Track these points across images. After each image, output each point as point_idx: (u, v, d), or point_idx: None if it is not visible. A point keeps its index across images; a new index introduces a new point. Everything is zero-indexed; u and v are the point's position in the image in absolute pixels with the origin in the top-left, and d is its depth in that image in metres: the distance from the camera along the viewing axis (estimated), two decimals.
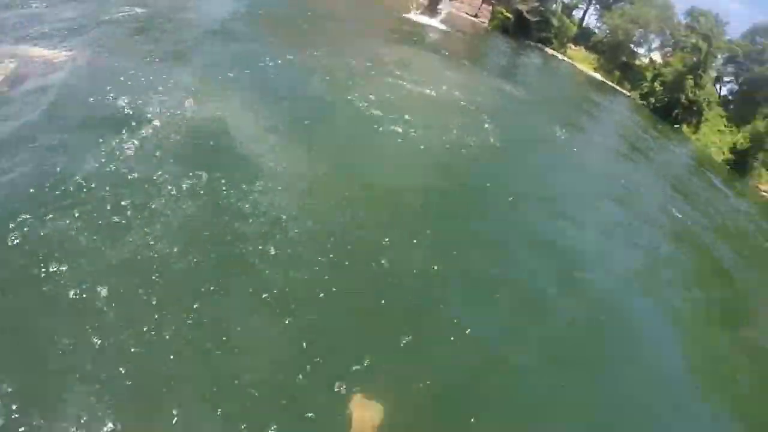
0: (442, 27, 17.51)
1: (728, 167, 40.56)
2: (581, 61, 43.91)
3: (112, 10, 8.00)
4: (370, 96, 7.06)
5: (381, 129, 6.41)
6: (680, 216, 10.95)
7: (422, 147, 6.54)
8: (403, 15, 16.77)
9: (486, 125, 8.96)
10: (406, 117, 6.82)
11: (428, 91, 8.84)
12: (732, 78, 49.40)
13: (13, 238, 3.42)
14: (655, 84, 43.07)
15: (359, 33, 11.31)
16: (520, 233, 5.81)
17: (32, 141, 4.08)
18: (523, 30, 37.71)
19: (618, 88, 43.53)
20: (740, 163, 40.88)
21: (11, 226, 3.53)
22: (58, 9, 7.93)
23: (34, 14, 7.53)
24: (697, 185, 17.80)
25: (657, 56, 47.29)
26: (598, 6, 48.97)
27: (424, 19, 17.14)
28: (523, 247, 5.62)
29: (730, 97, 49.11)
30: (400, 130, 6.42)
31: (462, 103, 9.64)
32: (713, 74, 46.84)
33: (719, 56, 46.17)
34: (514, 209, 6.26)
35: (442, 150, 7.00)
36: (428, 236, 4.90)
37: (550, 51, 40.46)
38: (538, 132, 10.84)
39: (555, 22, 41.00)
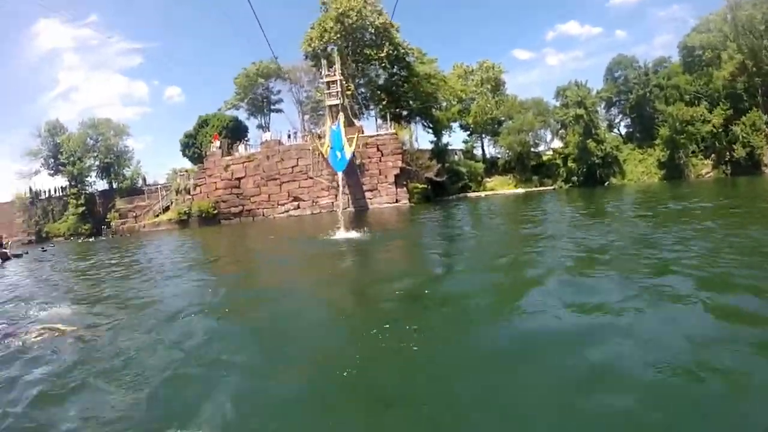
0: (361, 235, 18.30)
1: (665, 180, 44.26)
2: (501, 186, 49.22)
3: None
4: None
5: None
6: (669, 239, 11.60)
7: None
8: (328, 237, 18.55)
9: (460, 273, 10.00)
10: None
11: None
12: (620, 116, 56.01)
13: None
14: (569, 164, 48.08)
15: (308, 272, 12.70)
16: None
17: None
18: (442, 190, 43.10)
19: (542, 188, 48.03)
20: (673, 171, 44.87)
21: None
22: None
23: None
24: (658, 210, 19.77)
25: (557, 143, 53.34)
26: (488, 137, 56.35)
27: (348, 234, 18.71)
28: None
29: (631, 130, 54.74)
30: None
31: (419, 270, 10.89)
32: (605, 125, 52.76)
33: (599, 109, 52.56)
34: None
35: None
36: None
37: (472, 194, 45.38)
38: (497, 262, 11.19)
39: (463, 169, 47.61)
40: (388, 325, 6.61)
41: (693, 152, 44.82)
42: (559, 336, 5.79)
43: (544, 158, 52.77)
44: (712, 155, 44.65)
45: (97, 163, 52.66)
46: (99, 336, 7.34)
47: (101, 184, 53.92)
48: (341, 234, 19.29)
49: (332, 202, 38.24)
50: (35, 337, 7.34)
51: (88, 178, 53.24)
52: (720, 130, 43.60)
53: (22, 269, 21.22)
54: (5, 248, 27.76)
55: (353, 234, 19.29)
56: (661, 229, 13.19)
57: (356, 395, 4.81)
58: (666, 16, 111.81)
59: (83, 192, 51.78)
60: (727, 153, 43.10)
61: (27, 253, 31.00)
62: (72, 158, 51.04)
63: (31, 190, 54.01)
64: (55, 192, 53.91)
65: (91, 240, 43.25)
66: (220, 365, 5.61)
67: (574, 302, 6.88)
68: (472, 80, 56.79)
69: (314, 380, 5.14)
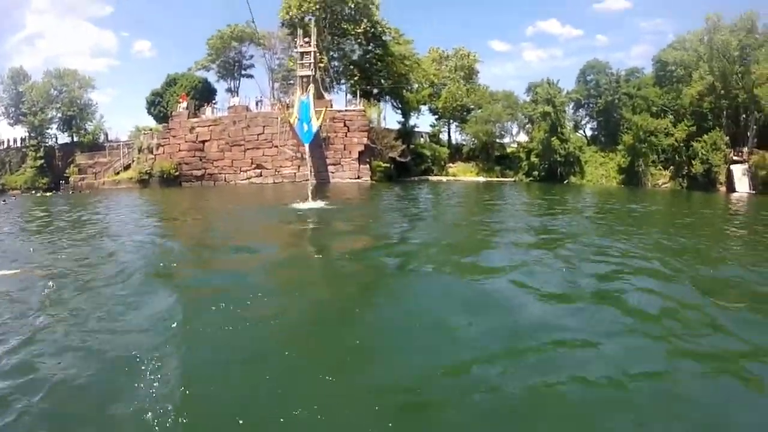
0: (325, 205, 19.29)
1: (622, 185, 45.65)
2: (463, 173, 50.06)
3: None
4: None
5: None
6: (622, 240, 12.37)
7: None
8: (292, 205, 19.13)
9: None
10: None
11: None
12: (587, 118, 57.45)
13: None
14: (532, 159, 49.29)
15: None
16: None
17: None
18: (405, 171, 43.68)
19: (503, 179, 49.15)
20: (631, 177, 46.26)
21: None
22: None
23: None
24: (610, 212, 21.20)
25: (523, 137, 54.73)
26: (455, 123, 57.12)
27: (312, 204, 19.44)
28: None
29: (596, 133, 56.21)
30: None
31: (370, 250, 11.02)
32: (571, 125, 54.03)
33: (567, 109, 53.75)
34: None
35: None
36: None
37: (434, 178, 46.25)
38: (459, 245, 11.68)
39: (428, 152, 48.21)
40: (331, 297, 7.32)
41: (653, 162, 46.09)
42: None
43: (509, 150, 53.96)
44: (671, 167, 45.92)
45: (59, 115, 50.95)
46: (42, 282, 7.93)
47: (62, 138, 52.31)
48: (305, 204, 19.94)
49: (294, 173, 38.40)
50: None
51: (49, 130, 51.47)
52: (681, 144, 44.77)
53: None
54: None
55: (315, 204, 20.01)
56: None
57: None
58: (648, 28, 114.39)
59: (43, 144, 50.14)
60: (686, 167, 44.28)
61: None
62: (34, 108, 49.31)
63: None
64: (14, 143, 52.15)
65: (48, 194, 42.16)
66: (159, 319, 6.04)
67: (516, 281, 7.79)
68: (446, 66, 57.44)
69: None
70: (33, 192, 45.42)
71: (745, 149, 42.37)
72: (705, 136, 43.04)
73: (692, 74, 45.94)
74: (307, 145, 33.73)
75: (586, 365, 4.82)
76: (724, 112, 44.11)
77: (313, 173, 37.61)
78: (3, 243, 12.89)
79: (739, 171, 41.25)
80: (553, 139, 47.94)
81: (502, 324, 6.01)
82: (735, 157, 42.19)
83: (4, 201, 33.71)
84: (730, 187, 40.73)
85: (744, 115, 44.17)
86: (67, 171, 46.54)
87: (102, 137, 50.14)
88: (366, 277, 8.74)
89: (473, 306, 6.71)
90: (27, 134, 50.72)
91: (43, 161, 48.92)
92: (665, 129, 45.81)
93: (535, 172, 49.02)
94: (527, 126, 53.66)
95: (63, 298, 7.00)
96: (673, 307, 6.57)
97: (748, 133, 43.44)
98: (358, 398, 4.27)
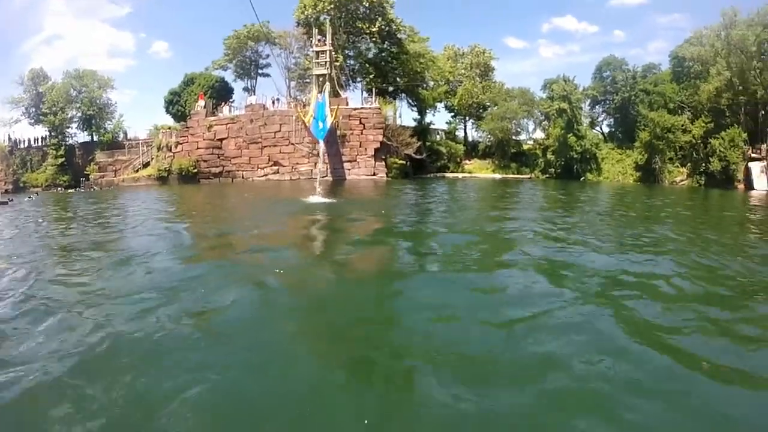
0: (334, 200, 19.76)
1: (639, 183, 45.08)
2: (479, 169, 50.05)
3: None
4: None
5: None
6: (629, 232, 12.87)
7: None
8: (305, 199, 19.67)
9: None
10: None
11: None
12: (604, 115, 56.79)
13: None
14: (548, 156, 49.08)
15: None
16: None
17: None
18: (421, 168, 43.89)
19: (519, 176, 48.93)
20: (648, 174, 45.68)
21: None
22: None
23: None
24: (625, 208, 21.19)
25: (539, 134, 54.29)
26: (471, 120, 57.35)
27: (324, 199, 19.93)
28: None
29: (613, 130, 55.59)
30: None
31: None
32: (587, 122, 53.59)
33: (583, 106, 53.37)
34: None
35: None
36: None
37: (450, 175, 46.33)
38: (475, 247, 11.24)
39: (443, 149, 48.27)
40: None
41: (670, 159, 45.43)
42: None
43: (525, 147, 53.65)
44: (688, 164, 45.10)
45: (79, 114, 51.74)
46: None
47: (82, 136, 53.16)
48: (316, 198, 20.56)
49: (311, 170, 38.70)
50: None
51: (69, 130, 52.31)
52: (699, 141, 43.82)
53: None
54: None
55: (327, 200, 20.64)
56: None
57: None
58: (665, 23, 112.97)
59: (63, 143, 51.02)
60: (703, 164, 43.47)
61: (12, 200, 31.22)
62: (54, 108, 50.09)
63: (9, 138, 53.16)
64: (35, 142, 53.10)
65: (70, 191, 43.02)
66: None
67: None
68: (462, 63, 57.33)
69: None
70: (54, 189, 46.32)
71: (764, 146, 41.24)
72: (723, 133, 42.00)
73: (710, 70, 44.97)
74: (321, 142, 34.45)
75: None
76: (743, 109, 43.17)
77: (328, 170, 38.31)
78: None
79: (757, 168, 40.19)
80: (569, 135, 47.58)
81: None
82: (753, 155, 41.15)
83: (29, 197, 34.60)
84: (749, 185, 39.77)
85: (762, 112, 43.09)
86: (87, 169, 47.40)
87: (121, 136, 50.87)
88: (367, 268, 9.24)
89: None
90: (47, 133, 51.59)
91: (63, 159, 49.80)
92: (682, 126, 45.00)
93: (552, 169, 48.79)
94: (543, 123, 53.34)
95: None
96: None
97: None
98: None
